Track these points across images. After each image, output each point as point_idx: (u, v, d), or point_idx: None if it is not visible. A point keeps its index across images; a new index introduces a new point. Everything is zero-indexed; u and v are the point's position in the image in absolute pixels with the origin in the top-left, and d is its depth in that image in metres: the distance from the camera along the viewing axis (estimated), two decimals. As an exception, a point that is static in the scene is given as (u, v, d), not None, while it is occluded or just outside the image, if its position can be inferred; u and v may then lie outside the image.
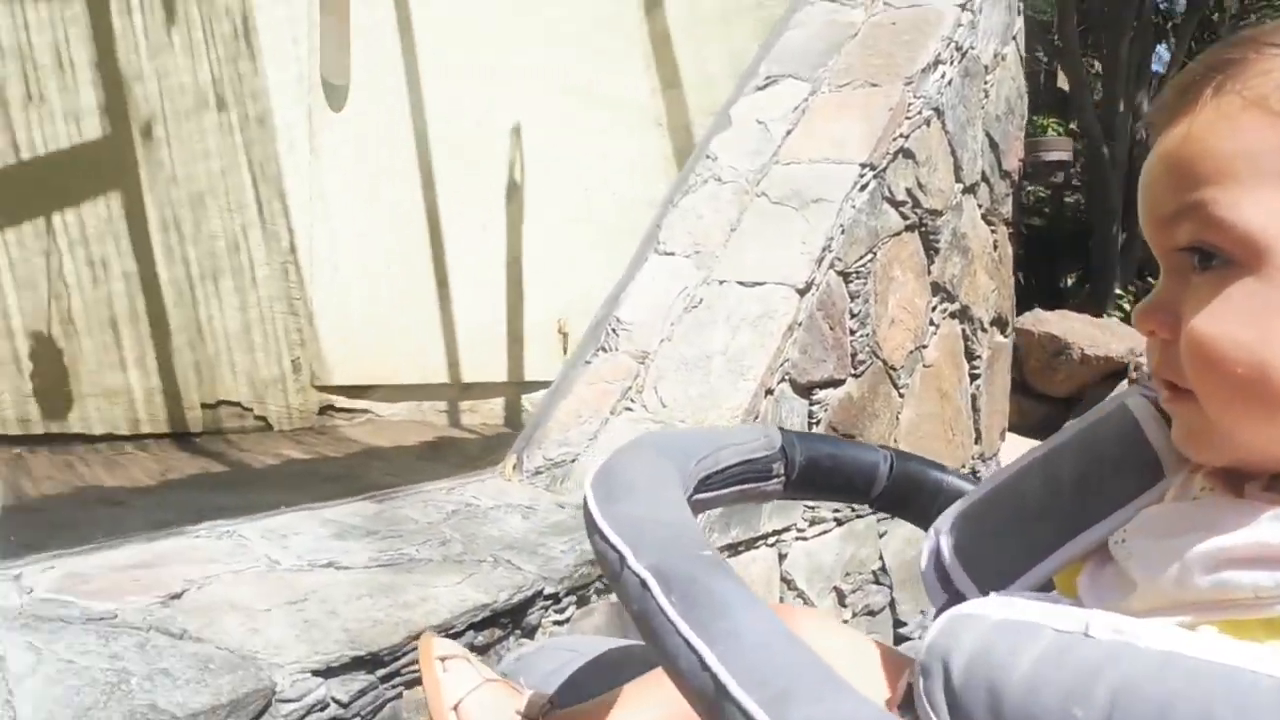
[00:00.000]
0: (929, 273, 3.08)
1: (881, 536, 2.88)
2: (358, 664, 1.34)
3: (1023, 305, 6.26)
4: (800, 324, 2.45)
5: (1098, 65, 10.74)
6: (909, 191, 2.92)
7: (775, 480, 0.98)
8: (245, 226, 4.49)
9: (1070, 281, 11.25)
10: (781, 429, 0.99)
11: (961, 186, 3.28)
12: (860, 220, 2.69)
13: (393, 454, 4.11)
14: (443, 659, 1.02)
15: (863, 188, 2.72)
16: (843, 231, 2.67)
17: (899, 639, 2.94)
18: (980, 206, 3.50)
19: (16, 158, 4.03)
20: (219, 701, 1.20)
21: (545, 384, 5.11)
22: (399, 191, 4.81)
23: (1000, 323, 3.85)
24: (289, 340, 4.63)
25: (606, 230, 4.84)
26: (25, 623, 1.35)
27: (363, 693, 1.35)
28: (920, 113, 2.94)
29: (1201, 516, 0.57)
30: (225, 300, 4.47)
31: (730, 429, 0.99)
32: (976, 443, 3.60)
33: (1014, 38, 3.81)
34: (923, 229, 3.03)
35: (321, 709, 1.30)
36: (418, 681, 1.36)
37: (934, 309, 3.13)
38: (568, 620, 1.68)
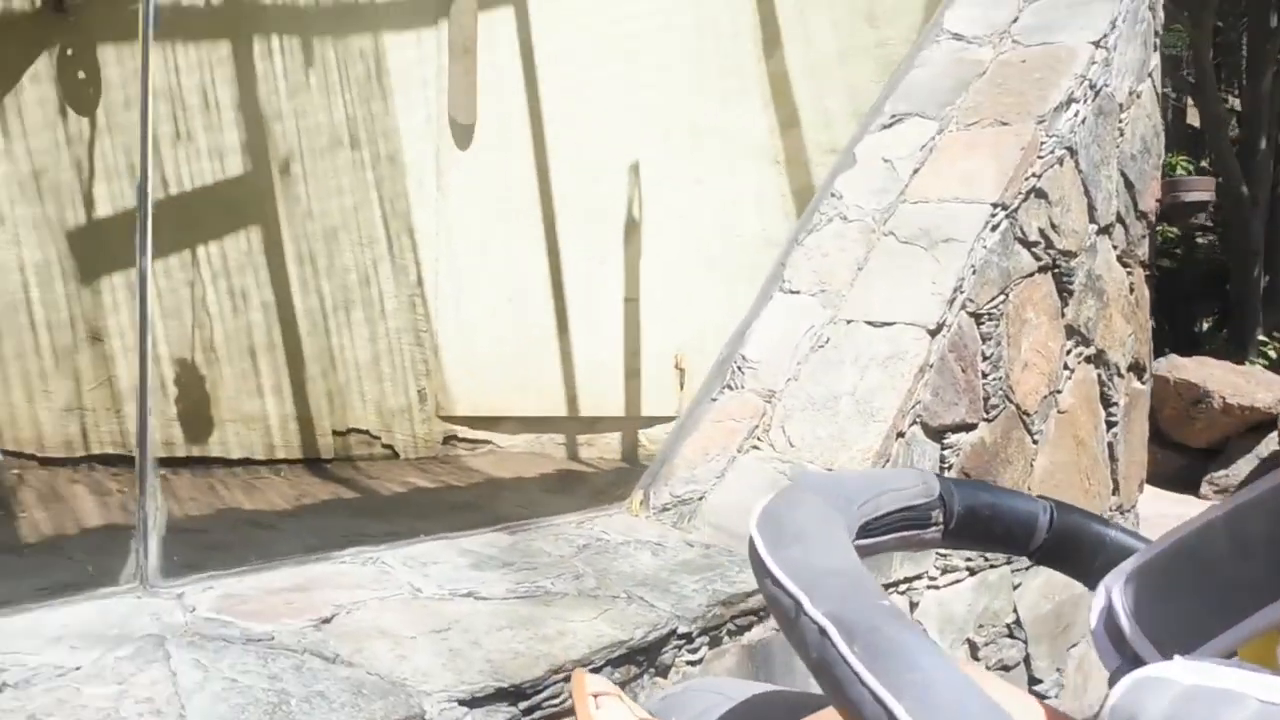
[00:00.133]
0: (1063, 315, 2.99)
1: (1016, 588, 2.79)
2: (501, 695, 1.37)
3: (1155, 350, 6.04)
4: (931, 365, 2.41)
5: (1232, 101, 10.33)
6: (1041, 232, 2.85)
7: (934, 528, 0.96)
8: (375, 260, 4.65)
9: (1206, 325, 10.77)
10: (938, 475, 0.98)
11: (1096, 227, 3.19)
12: (992, 261, 2.64)
13: (517, 485, 4.19)
14: (595, 695, 1.04)
15: (994, 228, 2.67)
16: (974, 272, 2.63)
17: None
18: (1115, 248, 3.40)
19: (165, 193, 4.28)
20: (374, 726, 1.24)
21: (662, 419, 5.17)
22: (521, 228, 4.92)
23: (1138, 368, 3.71)
24: (415, 371, 4.76)
25: (724, 267, 4.86)
26: (191, 640, 1.42)
27: (506, 724, 1.38)
28: (1053, 152, 2.88)
29: None
30: (356, 331, 4.63)
31: (888, 473, 0.99)
32: (1114, 493, 3.46)
33: (1150, 74, 3.70)
34: (1056, 270, 2.95)
35: (467, 739, 1.33)
36: (560, 715, 1.38)
37: (1068, 353, 3.04)
38: (701, 660, 1.68)
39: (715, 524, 2.12)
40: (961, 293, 2.57)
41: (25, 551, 2.86)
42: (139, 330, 1.79)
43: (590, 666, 1.46)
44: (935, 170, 2.92)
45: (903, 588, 2.32)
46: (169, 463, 4.33)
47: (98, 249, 4.23)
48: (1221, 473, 6.20)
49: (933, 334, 2.45)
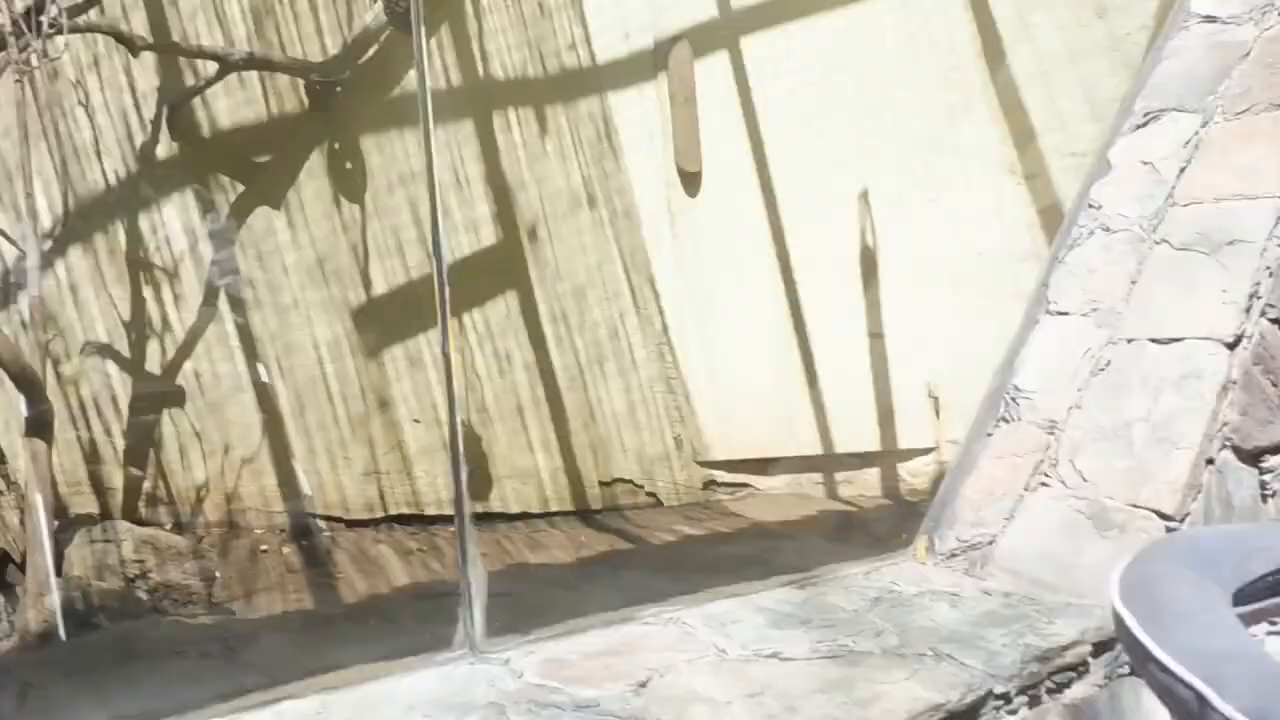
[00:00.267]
0: (1382, 310, 2.69)
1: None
2: (827, 762, 1.38)
3: None
4: (1235, 382, 2.23)
5: None
6: (1348, 221, 2.58)
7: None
8: (622, 313, 4.82)
9: None
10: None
11: None
12: (1291, 261, 2.41)
13: (787, 531, 4.20)
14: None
15: (1289, 223, 2.45)
16: (1270, 274, 2.41)
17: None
18: None
19: (430, 267, 4.62)
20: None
21: (919, 452, 5.04)
22: (757, 267, 4.96)
23: None
24: (670, 418, 4.88)
25: (968, 287, 4.69)
26: (528, 709, 1.52)
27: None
28: (1349, 130, 2.61)
29: None
30: (611, 383, 4.81)
31: (1248, 530, 0.93)
32: None
33: None
34: (1371, 262, 2.65)
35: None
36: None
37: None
38: (1019, 720, 1.63)
39: (1011, 570, 2.05)
40: (1259, 298, 2.37)
41: (350, 613, 3.14)
42: (449, 411, 1.95)
43: (911, 730, 1.45)
44: (1206, 167, 2.71)
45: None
46: (454, 520, 4.65)
47: (378, 323, 4.64)
48: None
49: (1231, 347, 2.27)
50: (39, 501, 2.98)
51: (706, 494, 5.01)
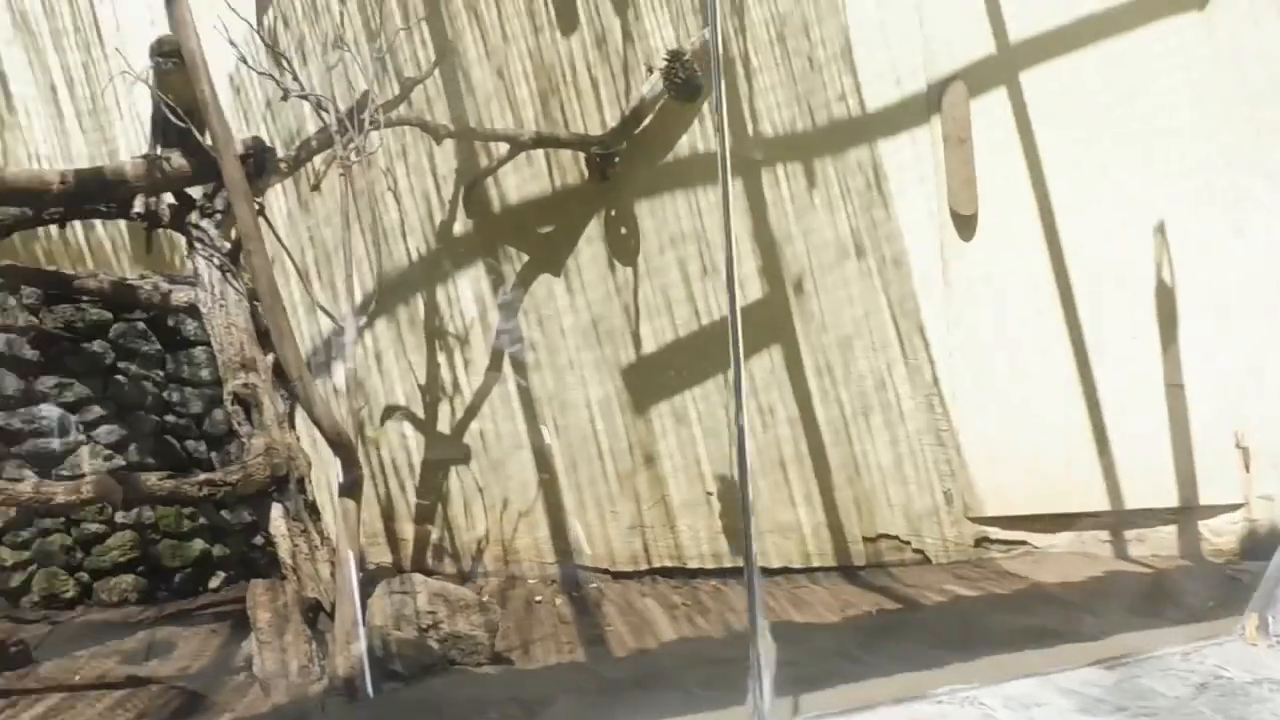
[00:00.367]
0: None
1: None
2: None
3: None
4: None
5: None
6: None
7: None
8: (889, 364, 4.69)
9: None
10: None
11: None
12: None
13: (1072, 596, 3.89)
14: None
15: None
16: None
17: None
18: None
19: (698, 324, 4.72)
20: None
21: (1225, 508, 4.54)
22: (1036, 311, 4.68)
23: None
24: (939, 472, 4.68)
25: (1284, 325, 4.21)
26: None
27: None
28: None
29: None
30: (877, 436, 4.68)
31: None
32: None
33: None
34: None
35: None
36: None
37: None
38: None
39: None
40: None
41: (631, 672, 3.19)
42: (740, 491, 1.95)
43: None
44: None
45: None
46: (717, 573, 4.68)
47: (646, 381, 4.77)
48: None
49: None
50: (348, 556, 3.25)
51: (978, 551, 4.75)
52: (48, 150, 4.55)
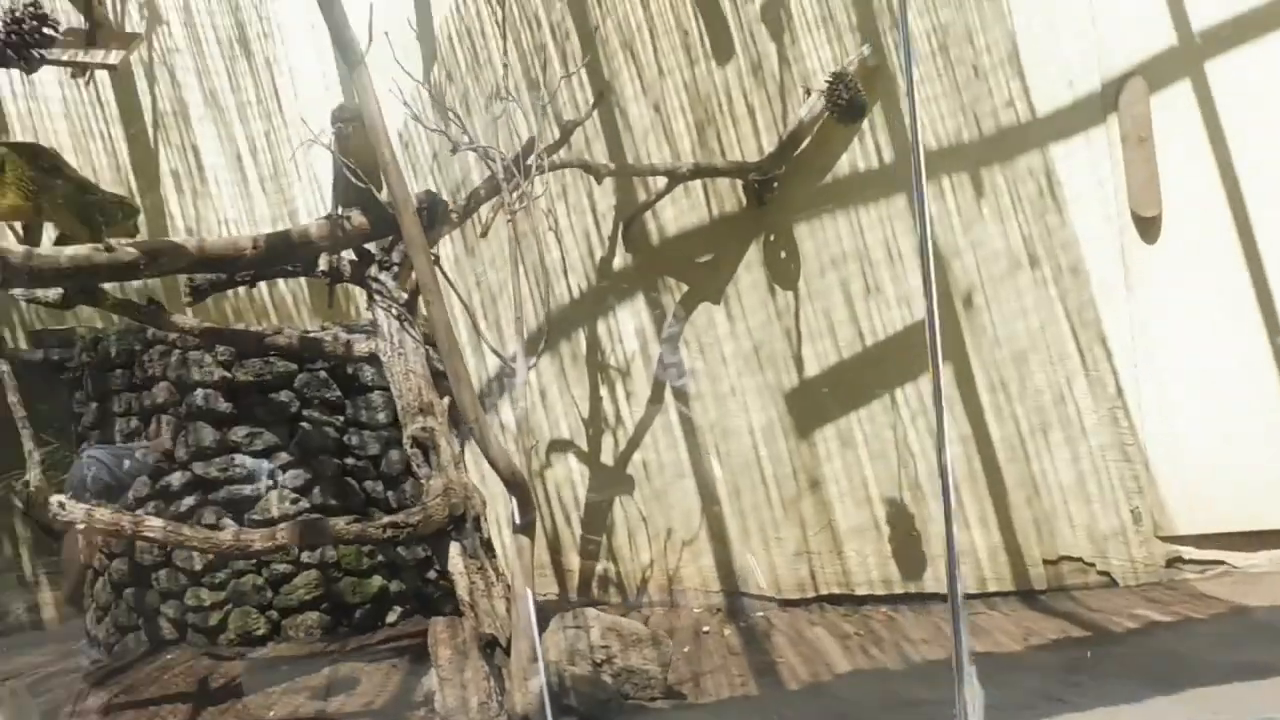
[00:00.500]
0: None
1: None
2: None
3: None
4: None
5: None
6: None
7: None
8: (1069, 376, 4.47)
9: None
10: None
11: None
12: None
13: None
14: None
15: None
16: None
17: None
18: None
19: (863, 345, 4.62)
20: None
21: None
22: (1231, 315, 4.35)
23: None
24: (1125, 489, 4.43)
25: None
26: None
27: None
28: None
29: None
30: (1056, 453, 4.48)
31: None
32: None
33: None
34: None
35: None
36: None
37: None
38: None
39: None
40: None
41: (799, 698, 3.17)
42: (945, 526, 1.89)
43: None
44: None
45: None
46: (888, 600, 4.58)
47: (810, 405, 4.71)
48: None
49: None
50: (526, 593, 3.34)
51: (1170, 573, 4.47)
52: (234, 214, 4.88)
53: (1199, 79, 4.34)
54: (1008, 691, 3.15)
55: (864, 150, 4.57)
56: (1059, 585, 4.49)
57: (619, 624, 3.57)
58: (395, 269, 4.03)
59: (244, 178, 5.00)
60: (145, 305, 4.19)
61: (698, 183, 4.77)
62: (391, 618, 4.87)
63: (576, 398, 4.88)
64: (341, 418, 4.94)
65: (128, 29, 5.51)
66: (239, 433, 4.70)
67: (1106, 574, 4.49)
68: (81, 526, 3.22)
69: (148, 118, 5.55)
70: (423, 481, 3.76)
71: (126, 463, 4.60)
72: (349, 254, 4.10)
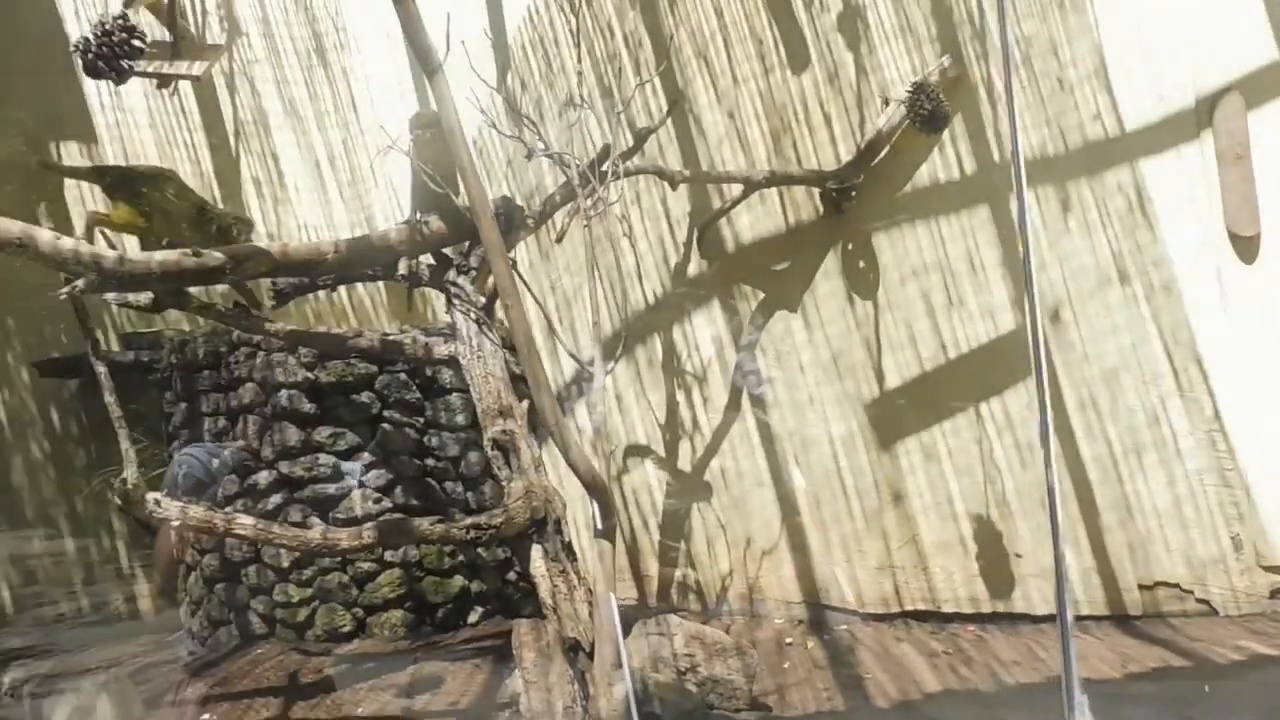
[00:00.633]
0: None
1: None
2: None
3: None
4: None
5: None
6: None
7: None
8: (1163, 397, 4.31)
9: None
10: None
11: None
12: None
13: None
14: None
15: None
16: None
17: None
18: None
19: (945, 358, 4.53)
20: None
21: None
22: (1335, 335, 4.18)
23: None
24: (1225, 515, 4.26)
25: None
26: None
27: None
28: None
29: None
30: (1150, 475, 4.32)
31: None
32: None
33: None
34: None
35: None
36: None
37: None
38: None
39: None
40: None
41: (889, 718, 3.08)
42: (1054, 547, 1.82)
43: None
44: None
45: None
46: (975, 619, 4.45)
47: (891, 417, 4.63)
48: None
49: None
50: (610, 597, 3.30)
51: (1275, 603, 4.27)
52: (314, 219, 4.98)
53: (1301, 88, 4.20)
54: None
55: (944, 161, 4.50)
56: (1155, 611, 4.32)
57: (702, 632, 3.51)
58: (473, 273, 4.07)
59: (323, 184, 5.10)
60: (230, 308, 4.29)
61: (773, 190, 4.74)
62: (473, 618, 4.88)
63: (653, 403, 4.84)
64: (421, 419, 4.99)
65: (209, 41, 5.69)
66: (323, 433, 4.77)
67: (1205, 602, 4.31)
68: (176, 523, 3.28)
69: (229, 126, 5.72)
70: (503, 484, 3.76)
71: (216, 461, 4.70)
72: (427, 258, 4.14)
